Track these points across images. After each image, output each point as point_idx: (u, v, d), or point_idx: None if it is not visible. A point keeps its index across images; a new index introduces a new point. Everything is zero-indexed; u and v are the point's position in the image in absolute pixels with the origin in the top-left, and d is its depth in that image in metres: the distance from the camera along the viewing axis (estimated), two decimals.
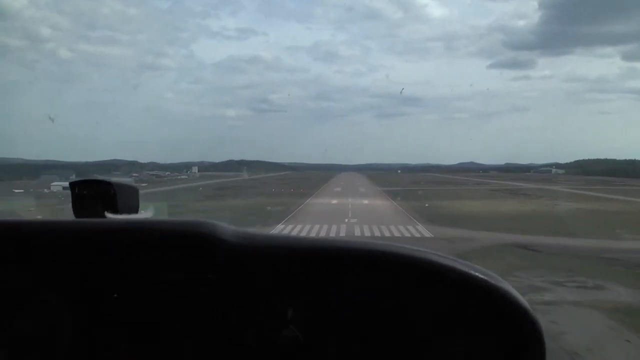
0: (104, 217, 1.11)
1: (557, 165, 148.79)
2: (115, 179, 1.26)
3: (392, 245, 0.87)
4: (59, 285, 0.90)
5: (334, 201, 58.97)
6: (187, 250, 0.88)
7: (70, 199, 1.17)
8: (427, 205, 52.72)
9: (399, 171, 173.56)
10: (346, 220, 40.14)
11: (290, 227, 36.14)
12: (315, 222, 38.13)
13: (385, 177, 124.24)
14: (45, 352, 0.90)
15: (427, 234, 34.03)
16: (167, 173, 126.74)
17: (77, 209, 1.17)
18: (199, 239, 0.88)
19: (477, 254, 25.97)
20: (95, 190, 1.17)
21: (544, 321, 0.74)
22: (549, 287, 18.66)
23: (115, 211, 1.13)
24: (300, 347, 0.83)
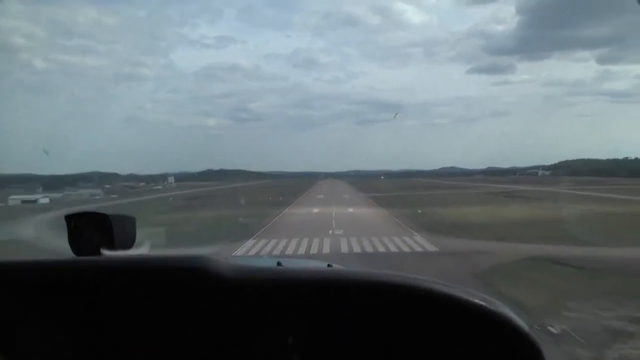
0: (100, 253, 1.12)
1: (543, 167, 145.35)
2: (111, 212, 1.24)
3: (387, 274, 0.89)
4: (60, 323, 0.94)
5: (316, 210, 52.51)
6: (182, 287, 0.91)
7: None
8: (420, 211, 46.78)
9: (382, 177, 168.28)
10: (330, 232, 33.82)
11: (262, 242, 29.65)
12: (294, 235, 31.70)
13: (369, 183, 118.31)
14: None
15: (429, 246, 27.83)
16: (141, 184, 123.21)
17: (74, 243, 1.18)
18: (193, 275, 0.90)
19: (503, 274, 19.87)
20: (90, 223, 1.18)
21: None
22: (635, 330, 12.47)
23: (111, 244, 1.14)
24: None
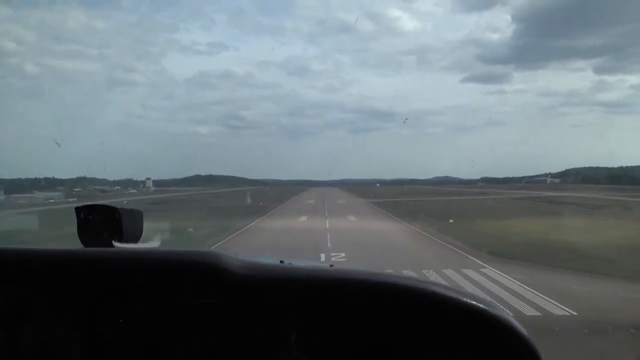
0: (111, 244, 1.12)
1: (551, 175, 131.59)
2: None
3: (392, 275, 0.89)
4: (68, 312, 0.93)
5: (302, 219, 36.55)
6: (193, 281, 0.90)
7: None
8: (451, 221, 31.21)
9: (378, 185, 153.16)
10: (323, 257, 17.94)
11: None
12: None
13: (367, 190, 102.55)
14: None
15: (548, 302, 11.87)
16: (116, 187, 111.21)
17: (83, 235, 1.18)
18: (204, 270, 0.90)
19: None
20: (100, 215, 1.18)
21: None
22: None
23: (120, 236, 1.15)
24: None
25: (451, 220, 31.93)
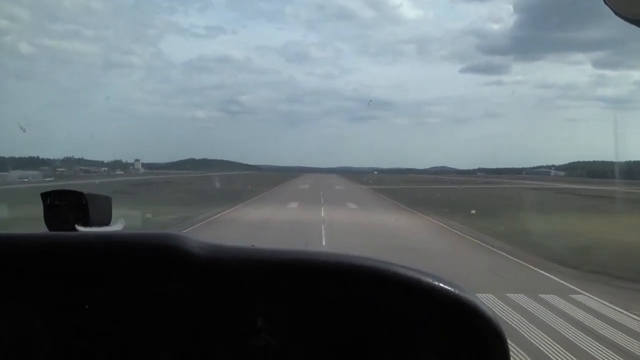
0: (75, 229, 1.08)
1: (555, 167, 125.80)
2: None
3: (359, 257, 0.87)
4: (32, 297, 0.89)
5: (292, 205, 29.96)
6: (155, 263, 0.87)
7: None
8: (473, 212, 24.75)
9: (376, 172, 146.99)
10: None
11: None
12: None
13: (366, 177, 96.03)
14: None
15: None
16: (103, 169, 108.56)
17: (49, 220, 1.14)
18: (166, 252, 0.87)
19: None
20: (66, 200, 1.15)
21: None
22: None
23: (86, 222, 1.11)
24: (275, 353, 0.84)
25: (473, 212, 25.54)
